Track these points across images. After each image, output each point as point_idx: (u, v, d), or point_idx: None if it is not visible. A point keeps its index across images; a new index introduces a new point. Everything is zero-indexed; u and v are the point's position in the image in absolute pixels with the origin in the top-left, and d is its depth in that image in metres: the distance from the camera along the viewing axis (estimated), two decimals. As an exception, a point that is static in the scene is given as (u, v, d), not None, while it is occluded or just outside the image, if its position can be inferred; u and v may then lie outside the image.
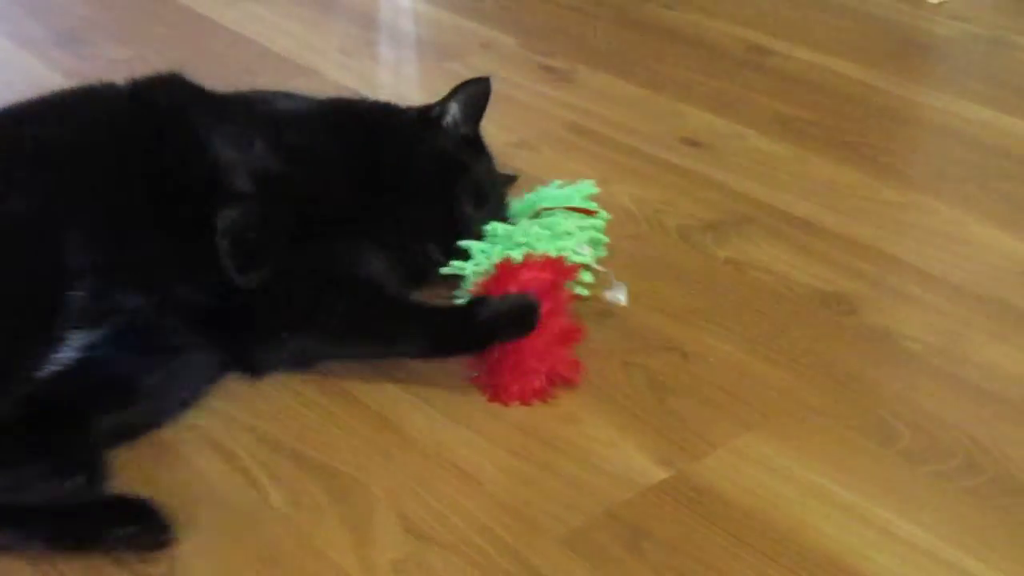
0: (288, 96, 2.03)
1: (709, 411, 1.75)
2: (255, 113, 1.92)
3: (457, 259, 1.87)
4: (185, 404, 1.73)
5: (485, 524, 1.56)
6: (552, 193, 2.00)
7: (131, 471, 1.64)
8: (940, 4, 3.25)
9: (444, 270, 1.88)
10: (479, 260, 1.85)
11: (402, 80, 2.90)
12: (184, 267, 1.74)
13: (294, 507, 1.59)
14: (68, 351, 1.63)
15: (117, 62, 2.88)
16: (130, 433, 1.67)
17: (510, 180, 2.12)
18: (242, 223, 1.74)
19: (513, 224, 1.92)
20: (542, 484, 1.63)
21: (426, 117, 2.02)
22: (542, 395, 1.76)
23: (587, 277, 1.89)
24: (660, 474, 1.64)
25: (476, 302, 1.77)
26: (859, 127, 2.59)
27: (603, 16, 3.19)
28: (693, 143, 2.51)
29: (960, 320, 1.96)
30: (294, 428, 1.72)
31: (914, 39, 3.12)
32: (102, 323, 1.66)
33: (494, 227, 1.89)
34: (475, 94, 2.01)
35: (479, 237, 1.89)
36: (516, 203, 2.01)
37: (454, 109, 2.01)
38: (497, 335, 1.74)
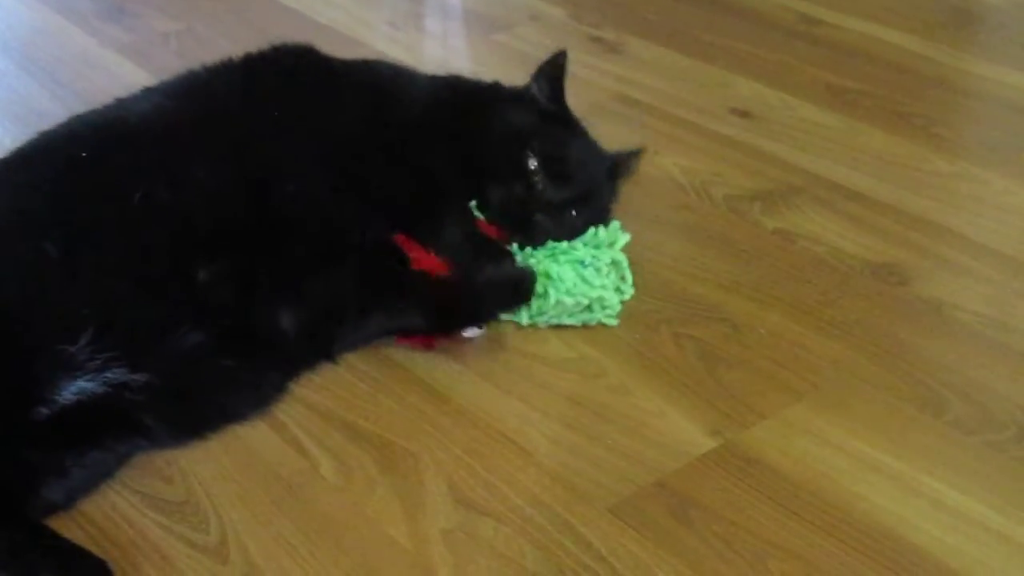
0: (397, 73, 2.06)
1: (759, 382, 1.75)
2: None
3: (528, 239, 1.89)
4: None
5: (534, 494, 1.56)
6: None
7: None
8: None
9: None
10: None
11: (450, 53, 2.90)
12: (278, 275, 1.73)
13: (345, 477, 1.60)
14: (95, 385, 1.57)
15: (165, 35, 2.89)
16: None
17: (631, 157, 2.06)
18: None
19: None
20: (591, 454, 1.63)
21: (516, 96, 2.03)
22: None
23: (612, 307, 1.87)
24: (709, 444, 1.64)
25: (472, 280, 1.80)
26: (910, 97, 2.58)
27: (652, -13, 3.18)
28: (742, 114, 2.50)
29: (1011, 291, 1.95)
30: (345, 399, 1.73)
31: (965, 9, 3.10)
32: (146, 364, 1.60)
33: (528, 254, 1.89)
34: (548, 70, 2.01)
35: (560, 216, 1.90)
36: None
37: (535, 88, 2.01)
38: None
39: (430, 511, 1.54)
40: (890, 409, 1.71)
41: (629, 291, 1.90)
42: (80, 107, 1.88)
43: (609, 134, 2.07)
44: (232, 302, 1.68)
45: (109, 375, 1.57)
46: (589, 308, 1.85)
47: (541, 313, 1.84)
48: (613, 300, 1.86)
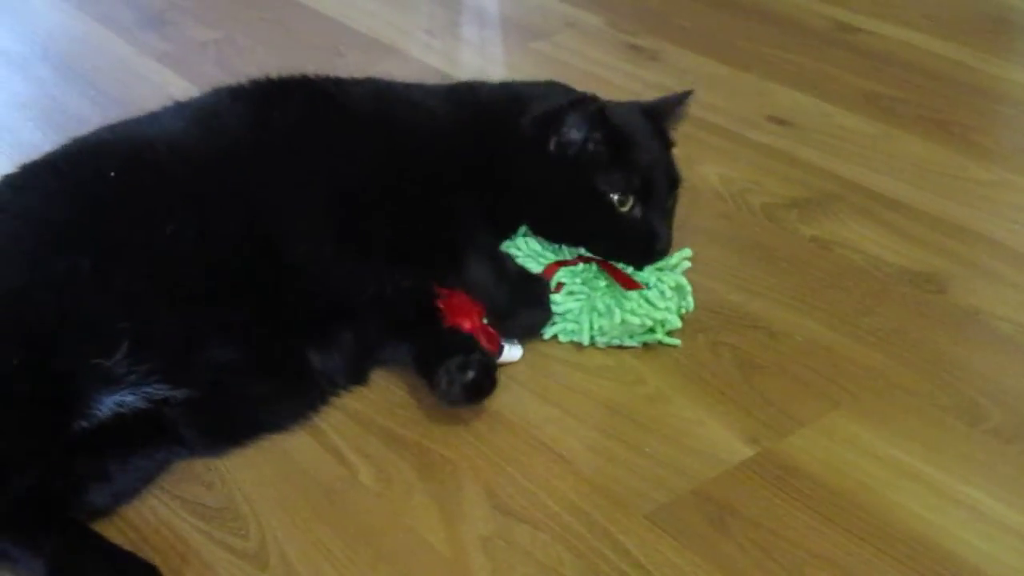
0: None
1: (796, 390, 1.75)
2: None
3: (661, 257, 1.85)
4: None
5: (572, 501, 1.57)
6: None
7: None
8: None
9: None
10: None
11: (488, 61, 2.90)
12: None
13: (384, 484, 1.61)
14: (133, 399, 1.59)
15: (204, 43, 2.91)
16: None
17: (678, 106, 2.00)
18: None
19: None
20: (629, 462, 1.63)
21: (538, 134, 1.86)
22: None
23: (670, 325, 1.84)
24: (747, 452, 1.64)
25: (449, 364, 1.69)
26: (947, 104, 2.57)
27: (689, -6, 3.18)
28: (780, 121, 2.50)
29: (1050, 299, 1.95)
30: (384, 406, 1.74)
31: (1002, 16, 3.08)
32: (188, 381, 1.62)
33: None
34: (573, 120, 1.82)
35: (669, 218, 1.88)
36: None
37: (561, 137, 1.83)
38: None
39: (468, 518, 1.55)
40: (928, 417, 1.70)
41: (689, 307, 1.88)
42: (119, 114, 1.89)
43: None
44: (262, 336, 1.68)
45: (150, 390, 1.59)
46: (652, 330, 1.83)
47: (603, 333, 1.83)
48: (675, 322, 1.83)
